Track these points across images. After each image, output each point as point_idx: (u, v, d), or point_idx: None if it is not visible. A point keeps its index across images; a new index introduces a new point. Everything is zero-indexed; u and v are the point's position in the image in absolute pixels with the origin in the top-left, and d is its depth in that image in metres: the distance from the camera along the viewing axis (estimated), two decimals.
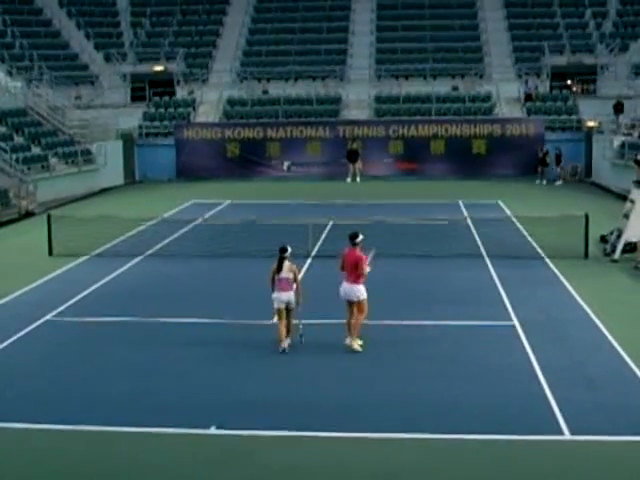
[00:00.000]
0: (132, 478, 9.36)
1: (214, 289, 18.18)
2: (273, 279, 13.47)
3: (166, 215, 27.01)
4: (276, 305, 13.50)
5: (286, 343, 13.47)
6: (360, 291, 13.50)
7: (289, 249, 13.56)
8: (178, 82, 44.04)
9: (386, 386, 11.95)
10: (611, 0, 46.62)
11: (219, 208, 29.98)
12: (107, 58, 45.35)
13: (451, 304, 16.40)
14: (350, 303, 13.58)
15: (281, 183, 37.79)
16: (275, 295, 13.46)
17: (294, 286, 13.48)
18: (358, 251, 13.56)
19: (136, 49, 46.04)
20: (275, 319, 13.86)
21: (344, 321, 13.65)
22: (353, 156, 38.13)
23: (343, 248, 13.95)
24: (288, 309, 13.50)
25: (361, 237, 13.68)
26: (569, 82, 42.95)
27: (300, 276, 18.48)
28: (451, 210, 28.10)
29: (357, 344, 13.53)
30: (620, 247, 20.38)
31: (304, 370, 12.74)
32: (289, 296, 13.41)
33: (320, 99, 42.20)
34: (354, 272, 13.43)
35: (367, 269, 13.53)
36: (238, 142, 39.80)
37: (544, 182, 36.50)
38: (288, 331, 13.55)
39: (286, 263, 13.41)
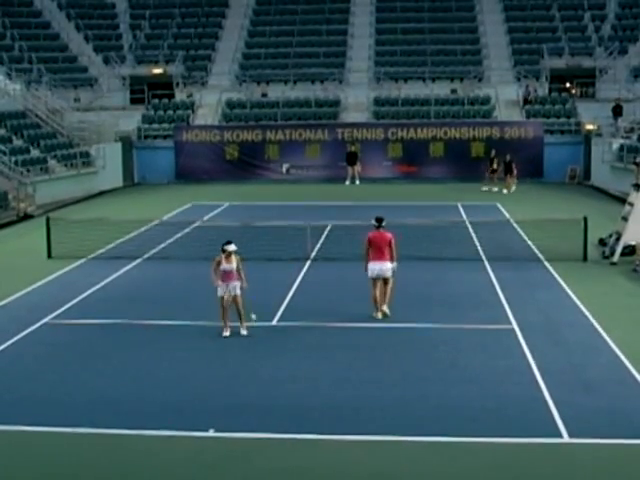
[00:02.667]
0: None
1: (212, 292, 18.08)
2: (217, 271, 14.63)
3: (165, 218, 26.98)
4: (221, 294, 14.57)
5: (229, 331, 14.62)
6: (391, 267, 15.28)
7: (233, 246, 14.58)
8: (177, 85, 44.04)
9: (385, 389, 11.93)
10: (610, 3, 46.67)
11: (218, 210, 29.96)
12: (106, 60, 45.34)
13: (450, 307, 16.39)
14: (378, 279, 15.23)
15: (280, 186, 37.74)
16: (221, 284, 14.57)
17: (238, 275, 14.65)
18: (384, 232, 15.36)
19: (135, 52, 46.05)
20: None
21: (344, 324, 13.58)
22: (352, 159, 38.12)
23: (366, 233, 15.64)
24: (234, 297, 14.58)
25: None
26: (568, 85, 42.98)
27: (299, 279, 18.68)
28: (450, 213, 28.10)
29: (387, 309, 15.40)
30: (619, 250, 20.38)
31: (303, 373, 12.72)
32: (234, 285, 14.55)
33: (319, 102, 42.20)
34: (387, 250, 15.22)
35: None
36: (237, 145, 39.77)
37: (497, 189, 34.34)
38: (240, 319, 14.63)
39: (232, 256, 14.62)
